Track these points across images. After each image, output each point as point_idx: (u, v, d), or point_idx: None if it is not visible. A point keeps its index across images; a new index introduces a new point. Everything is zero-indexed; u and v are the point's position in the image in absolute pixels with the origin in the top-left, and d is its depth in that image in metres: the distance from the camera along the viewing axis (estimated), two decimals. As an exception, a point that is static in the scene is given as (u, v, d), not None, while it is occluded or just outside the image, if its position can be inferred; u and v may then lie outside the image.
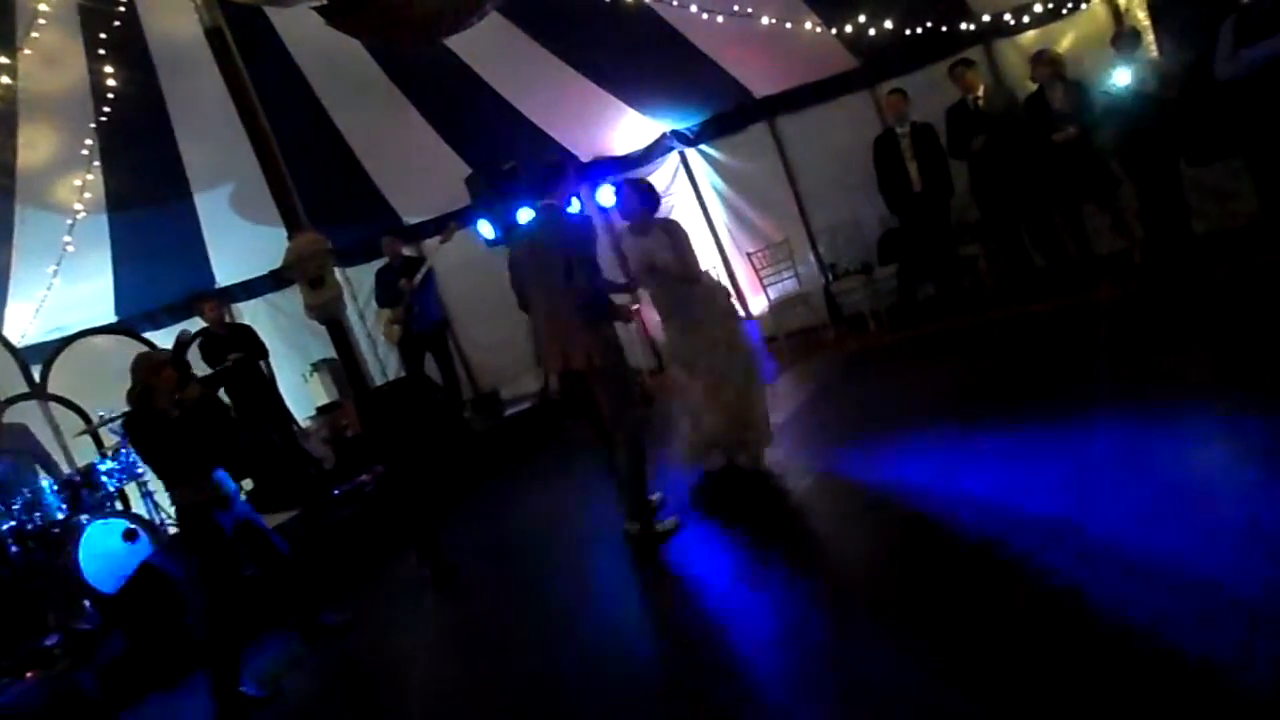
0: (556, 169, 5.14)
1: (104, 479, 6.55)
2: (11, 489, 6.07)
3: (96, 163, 7.49)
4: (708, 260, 8.46)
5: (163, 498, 6.73)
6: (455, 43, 7.61)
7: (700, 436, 5.23)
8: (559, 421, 8.34)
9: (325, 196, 8.17)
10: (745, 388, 5.16)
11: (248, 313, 9.78)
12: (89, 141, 7.27)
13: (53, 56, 6.67)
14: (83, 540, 5.72)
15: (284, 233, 5.20)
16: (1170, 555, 2.84)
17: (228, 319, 8.56)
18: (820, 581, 3.67)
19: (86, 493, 6.37)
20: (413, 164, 9.44)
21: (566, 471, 7.04)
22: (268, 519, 5.26)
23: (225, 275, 9.73)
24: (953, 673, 2.68)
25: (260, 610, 5.20)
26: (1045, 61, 6.82)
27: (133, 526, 6.10)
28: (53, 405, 8.15)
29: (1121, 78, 6.37)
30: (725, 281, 8.84)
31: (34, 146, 7.21)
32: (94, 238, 8.19)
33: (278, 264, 8.75)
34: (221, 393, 7.30)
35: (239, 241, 9.24)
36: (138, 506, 6.91)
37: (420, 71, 8.39)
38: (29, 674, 5.26)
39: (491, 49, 7.98)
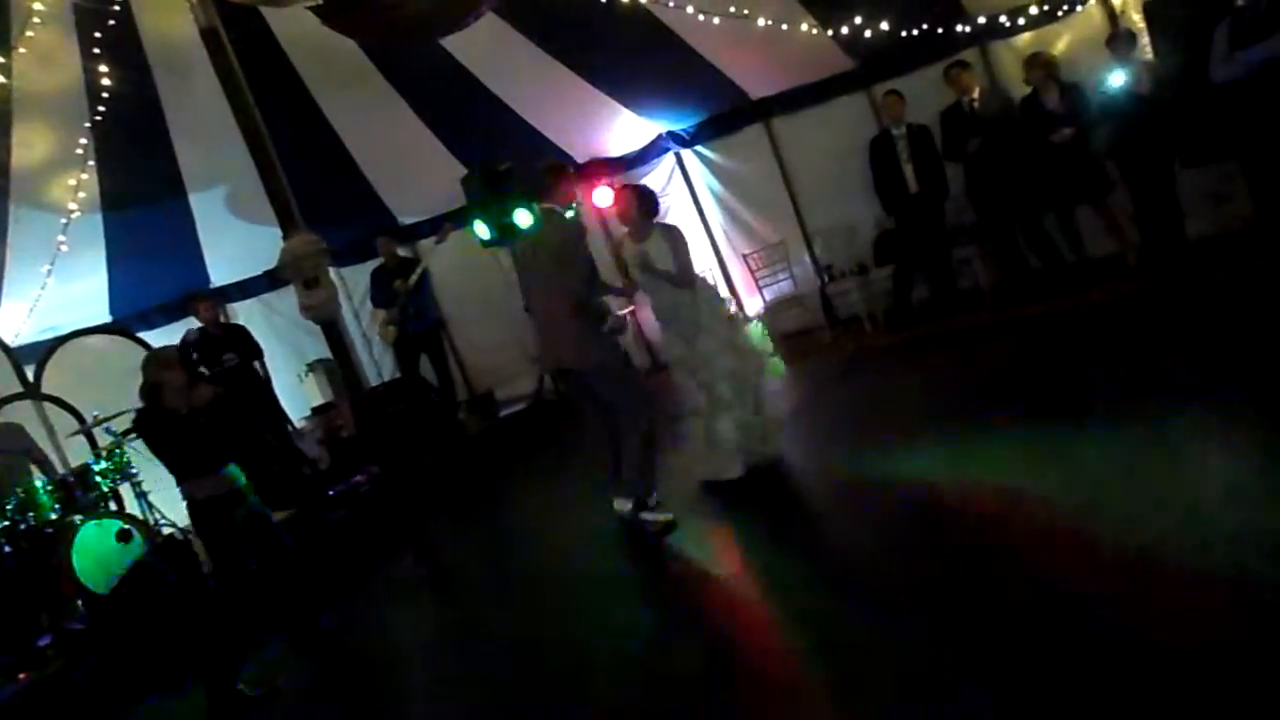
0: (557, 172, 5.17)
1: (98, 479, 6.53)
2: (5, 488, 6.05)
3: (91, 162, 7.45)
4: (703, 262, 8.46)
5: (157, 498, 6.70)
6: (451, 43, 7.60)
7: (719, 447, 5.17)
8: (554, 422, 8.34)
9: (320, 197, 8.14)
10: (759, 384, 5.22)
11: (243, 313, 9.74)
12: (83, 141, 7.23)
13: (47, 56, 6.64)
14: (76, 540, 5.70)
15: (279, 233, 5.19)
16: (1164, 554, 2.85)
17: (222, 319, 8.54)
18: (818, 581, 3.67)
19: (80, 493, 6.34)
20: (408, 164, 9.42)
21: (561, 472, 7.04)
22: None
23: (220, 275, 9.69)
24: (953, 667, 2.68)
25: (259, 610, 5.19)
26: (1039, 64, 6.83)
27: (127, 527, 6.07)
28: (46, 405, 8.12)
29: (1116, 80, 6.39)
30: (720, 283, 8.87)
31: (28, 146, 7.17)
32: (88, 237, 8.15)
33: (273, 264, 8.78)
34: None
35: (234, 241, 9.21)
36: (131, 507, 6.89)
37: (416, 72, 8.37)
38: (21, 675, 5.23)
39: (487, 49, 7.97)
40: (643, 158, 9.39)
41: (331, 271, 5.54)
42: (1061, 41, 7.32)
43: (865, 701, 2.71)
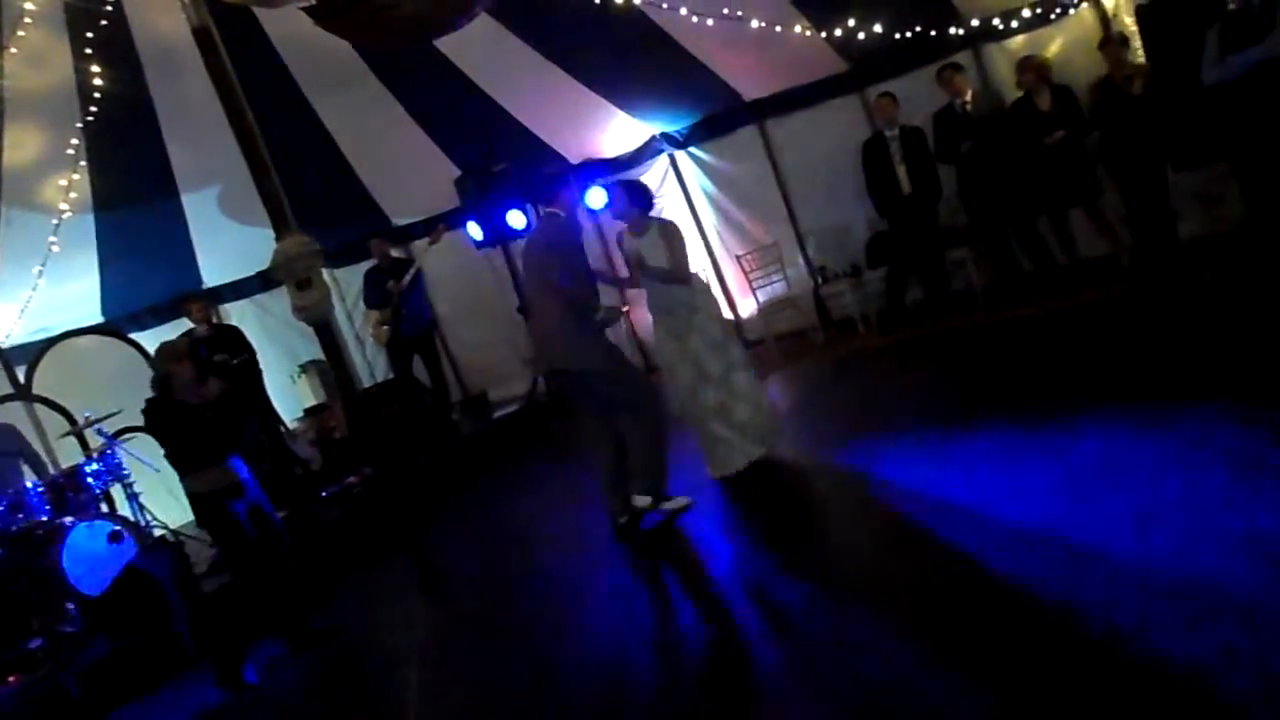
0: (558, 179, 5.21)
1: (89, 481, 6.50)
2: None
3: (83, 162, 7.44)
4: (696, 262, 8.46)
5: (149, 500, 6.69)
6: (445, 44, 7.60)
7: (722, 440, 5.19)
8: (547, 423, 8.34)
9: (313, 197, 8.15)
10: (752, 386, 5.25)
11: (235, 314, 9.72)
12: (75, 141, 7.22)
13: (38, 55, 6.63)
14: (67, 542, 5.67)
15: (272, 233, 5.19)
16: (1157, 558, 2.86)
17: (215, 320, 8.52)
18: (816, 581, 3.67)
19: (71, 494, 6.31)
20: (401, 165, 9.42)
21: (554, 473, 7.04)
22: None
23: (212, 276, 9.67)
24: (947, 669, 2.69)
25: (255, 610, 5.18)
26: (1031, 67, 6.86)
27: (118, 529, 6.04)
28: (37, 406, 8.09)
29: (1108, 83, 6.40)
30: (715, 284, 8.87)
31: (19, 146, 7.15)
32: (80, 238, 8.14)
33: (265, 265, 8.74)
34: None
35: (226, 242, 9.19)
36: (123, 508, 6.86)
37: (409, 73, 8.37)
38: (12, 678, 5.22)
39: (481, 50, 7.97)
40: (636, 159, 9.39)
41: (324, 272, 5.53)
42: (1054, 44, 7.33)
43: (863, 701, 2.71)
